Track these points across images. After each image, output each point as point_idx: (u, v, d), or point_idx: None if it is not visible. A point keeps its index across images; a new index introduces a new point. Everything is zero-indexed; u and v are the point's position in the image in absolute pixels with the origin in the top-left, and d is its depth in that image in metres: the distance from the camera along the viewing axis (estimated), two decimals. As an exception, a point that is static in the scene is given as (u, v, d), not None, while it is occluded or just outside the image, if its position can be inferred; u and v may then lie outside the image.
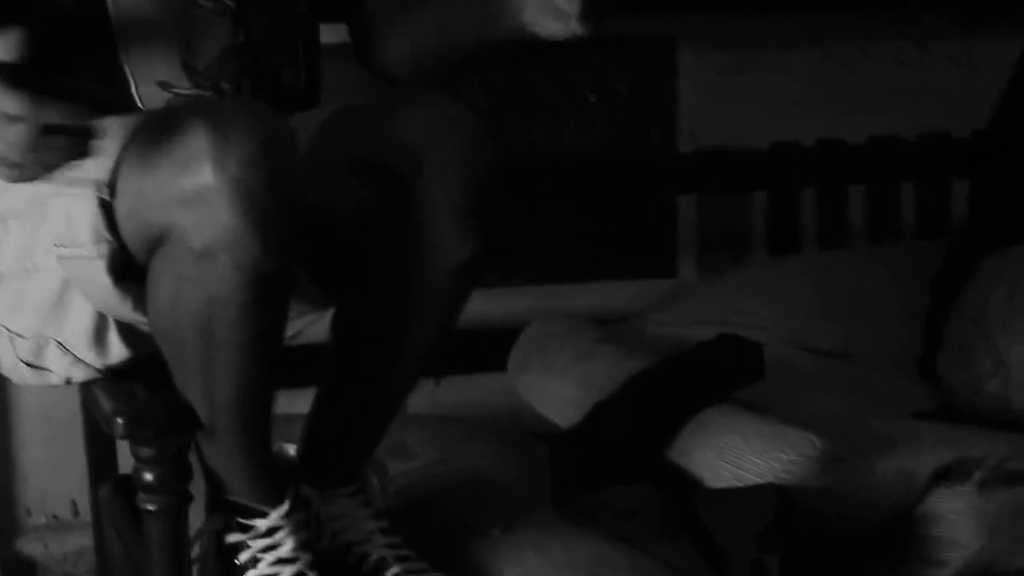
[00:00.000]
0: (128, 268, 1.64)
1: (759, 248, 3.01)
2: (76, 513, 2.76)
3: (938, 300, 2.55)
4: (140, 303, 1.65)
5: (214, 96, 1.80)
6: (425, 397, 2.73)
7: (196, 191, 1.53)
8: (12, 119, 1.45)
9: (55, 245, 1.66)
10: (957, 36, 3.04)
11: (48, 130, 1.46)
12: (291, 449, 1.93)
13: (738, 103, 2.98)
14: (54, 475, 2.72)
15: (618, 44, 2.89)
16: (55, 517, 2.77)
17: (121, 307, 1.67)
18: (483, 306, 1.82)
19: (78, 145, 1.48)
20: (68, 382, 1.79)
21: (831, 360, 2.59)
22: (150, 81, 1.78)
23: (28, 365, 1.76)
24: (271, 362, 1.67)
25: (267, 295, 1.59)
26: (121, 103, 1.75)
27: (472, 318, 1.91)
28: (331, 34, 2.04)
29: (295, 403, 1.97)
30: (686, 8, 2.93)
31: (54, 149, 1.47)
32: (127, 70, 1.77)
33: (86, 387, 1.80)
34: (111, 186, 1.60)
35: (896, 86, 3.05)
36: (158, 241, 1.59)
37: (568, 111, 2.92)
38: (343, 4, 2.00)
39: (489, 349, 2.64)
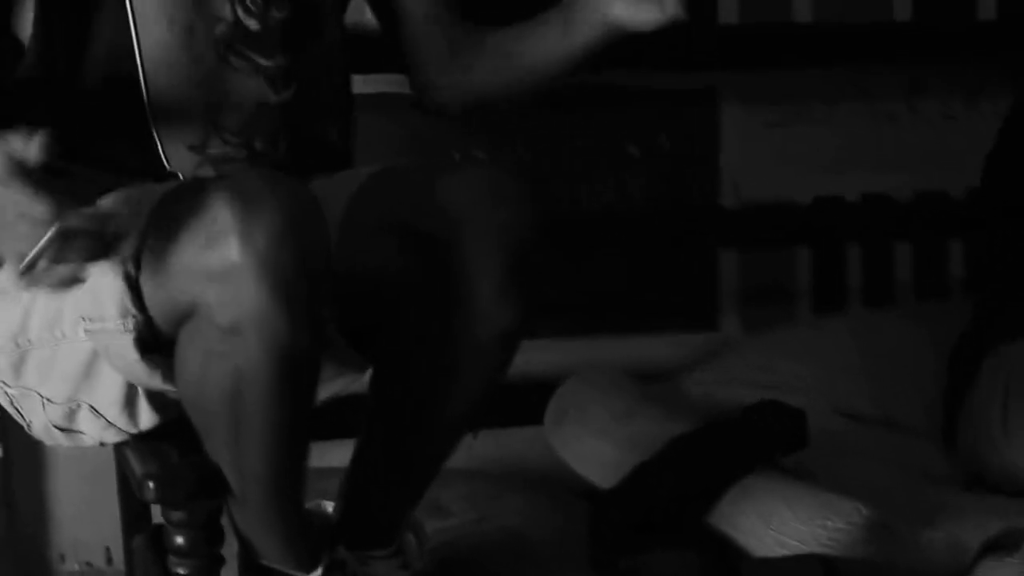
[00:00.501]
0: (155, 341, 1.62)
1: (802, 303, 2.97)
2: (110, 561, 2.73)
3: (956, 376, 2.52)
4: (169, 375, 1.63)
5: (245, 160, 1.77)
6: (462, 450, 2.69)
7: (222, 267, 1.50)
8: (37, 223, 1.42)
9: (82, 318, 1.64)
10: (1006, 92, 2.99)
11: (70, 234, 1.43)
12: (329, 506, 1.90)
13: (782, 157, 2.95)
14: (88, 521, 2.69)
15: (660, 97, 2.87)
16: (89, 564, 2.74)
17: (149, 379, 1.65)
18: (522, 357, 1.79)
19: (99, 248, 1.46)
20: (101, 444, 1.76)
21: (873, 426, 2.55)
22: (180, 143, 1.76)
23: (60, 429, 1.74)
24: (302, 434, 1.66)
25: (295, 371, 1.57)
26: (149, 167, 1.74)
27: (511, 370, 1.87)
28: (362, 85, 2.03)
29: (330, 455, 1.95)
30: (730, 62, 2.90)
31: (76, 251, 1.44)
32: (155, 132, 1.75)
33: (118, 447, 1.78)
34: (136, 260, 1.58)
35: (943, 141, 3.01)
36: (185, 316, 1.56)
37: (610, 164, 2.89)
38: (400, 49, 1.96)
39: (527, 402, 2.61)
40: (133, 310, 1.59)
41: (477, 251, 1.70)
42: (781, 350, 2.70)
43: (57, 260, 1.43)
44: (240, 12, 1.77)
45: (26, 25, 1.72)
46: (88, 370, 1.68)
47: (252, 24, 1.78)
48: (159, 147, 1.75)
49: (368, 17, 2.01)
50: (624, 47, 1.81)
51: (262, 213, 1.50)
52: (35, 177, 1.42)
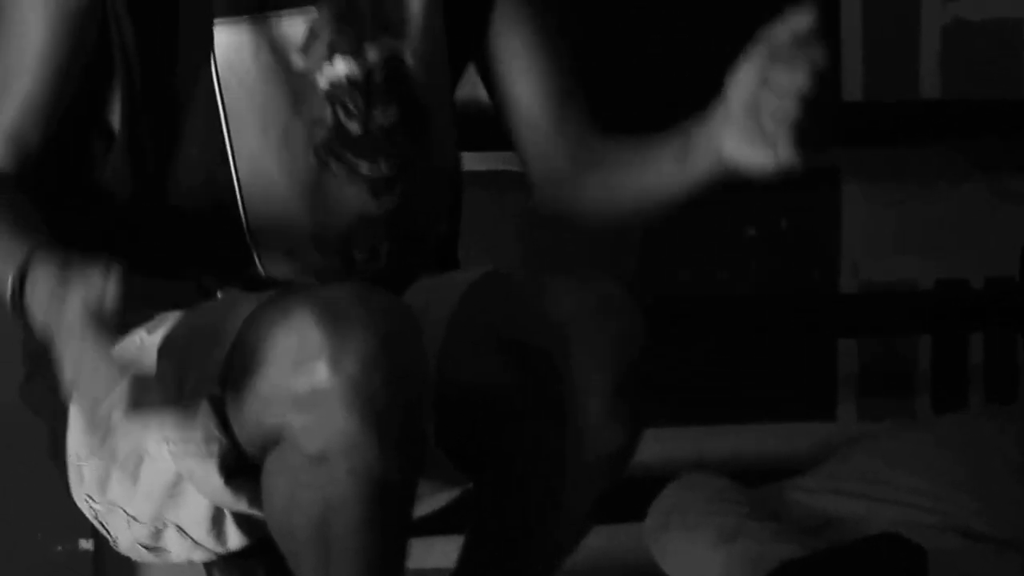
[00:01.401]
0: (241, 464, 1.56)
1: (922, 394, 2.89)
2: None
3: None
4: (255, 499, 1.57)
5: (343, 272, 1.71)
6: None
7: (310, 392, 1.44)
8: (112, 374, 1.39)
9: (164, 439, 1.59)
10: None
11: (147, 384, 1.39)
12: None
13: (903, 238, 2.88)
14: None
15: (781, 176, 2.77)
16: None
17: (235, 503, 1.60)
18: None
19: (176, 396, 1.41)
20: (189, 563, 1.71)
21: (993, 547, 2.44)
22: (276, 252, 1.70)
23: (146, 547, 1.70)
24: (395, 560, 1.58)
25: (387, 500, 1.50)
26: (242, 276, 1.69)
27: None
28: (473, 162, 1.99)
29: (428, 556, 1.91)
30: (851, 140, 2.79)
31: (152, 401, 1.40)
32: (250, 239, 1.69)
33: (207, 565, 1.74)
34: (222, 380, 1.52)
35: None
36: (271, 441, 1.50)
37: (727, 246, 2.83)
38: (510, 139, 1.88)
39: (631, 497, 2.52)
40: (217, 434, 1.54)
41: (586, 368, 1.63)
42: (893, 458, 2.60)
43: (133, 409, 1.38)
44: (341, 115, 1.70)
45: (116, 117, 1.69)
46: (173, 490, 1.63)
47: (354, 128, 1.71)
48: (254, 255, 1.69)
49: (481, 92, 1.91)
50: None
51: (353, 334, 1.44)
52: (112, 324, 1.38)
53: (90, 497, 1.70)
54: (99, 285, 1.37)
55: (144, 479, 1.64)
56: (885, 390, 2.89)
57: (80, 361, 1.38)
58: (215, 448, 1.54)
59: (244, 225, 1.68)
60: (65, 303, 1.39)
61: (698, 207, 2.64)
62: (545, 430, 1.66)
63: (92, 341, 1.37)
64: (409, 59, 1.73)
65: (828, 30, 2.60)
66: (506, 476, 1.71)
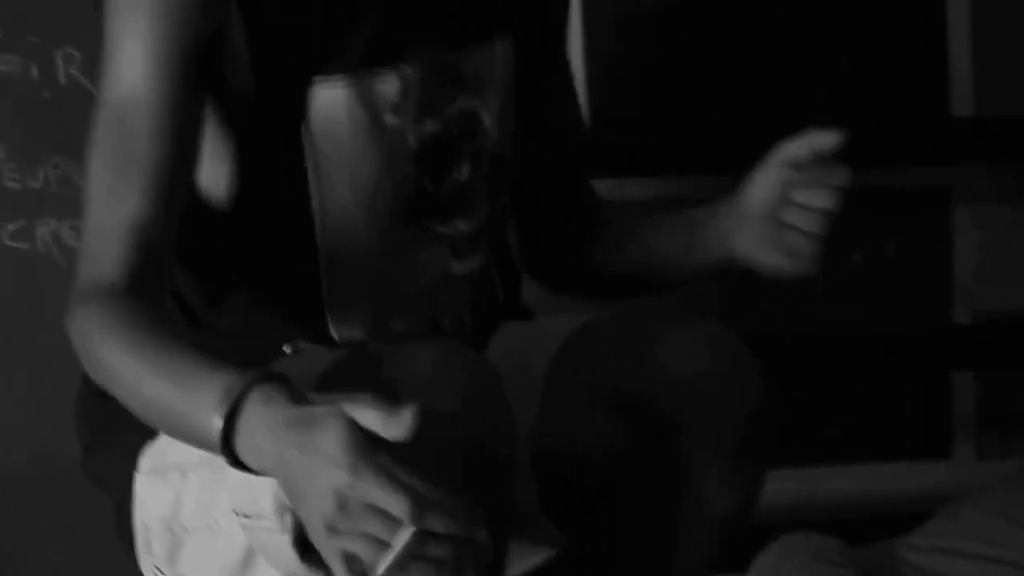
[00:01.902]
0: None
1: (1047, 430, 2.78)
2: None
3: None
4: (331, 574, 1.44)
5: (420, 337, 1.64)
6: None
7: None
8: (393, 522, 1.25)
9: (235, 512, 1.47)
10: None
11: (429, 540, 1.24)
12: None
13: (1020, 264, 2.76)
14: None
15: (887, 198, 2.68)
16: None
17: None
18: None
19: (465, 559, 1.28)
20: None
21: None
22: (354, 313, 1.63)
23: None
24: None
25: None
26: (317, 337, 1.61)
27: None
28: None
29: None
30: (962, 158, 2.69)
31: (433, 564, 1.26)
32: (329, 300, 1.62)
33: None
34: None
35: None
36: None
37: (831, 274, 2.65)
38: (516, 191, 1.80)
39: (734, 544, 2.42)
40: (291, 507, 1.41)
41: (701, 428, 1.57)
42: (1013, 514, 2.44)
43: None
44: (425, 174, 1.64)
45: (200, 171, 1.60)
46: (245, 564, 1.52)
47: (435, 187, 1.65)
48: (331, 317, 1.63)
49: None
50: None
51: (435, 397, 1.35)
52: (388, 459, 1.25)
53: (159, 570, 1.61)
54: (381, 409, 1.26)
55: (215, 552, 1.54)
56: (1005, 427, 2.78)
57: (346, 497, 1.24)
58: (288, 522, 1.42)
59: (323, 284, 1.62)
60: (318, 431, 1.25)
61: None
62: (656, 491, 1.60)
63: (368, 477, 1.24)
64: (486, 117, 1.68)
65: (934, 39, 2.55)
66: (612, 538, 1.65)
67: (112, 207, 1.50)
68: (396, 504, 1.22)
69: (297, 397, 1.30)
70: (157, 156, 1.50)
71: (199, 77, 1.52)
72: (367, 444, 1.23)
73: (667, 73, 2.59)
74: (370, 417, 1.25)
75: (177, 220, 1.53)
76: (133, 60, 1.50)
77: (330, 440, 1.24)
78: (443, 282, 1.66)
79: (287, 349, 1.59)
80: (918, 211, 2.72)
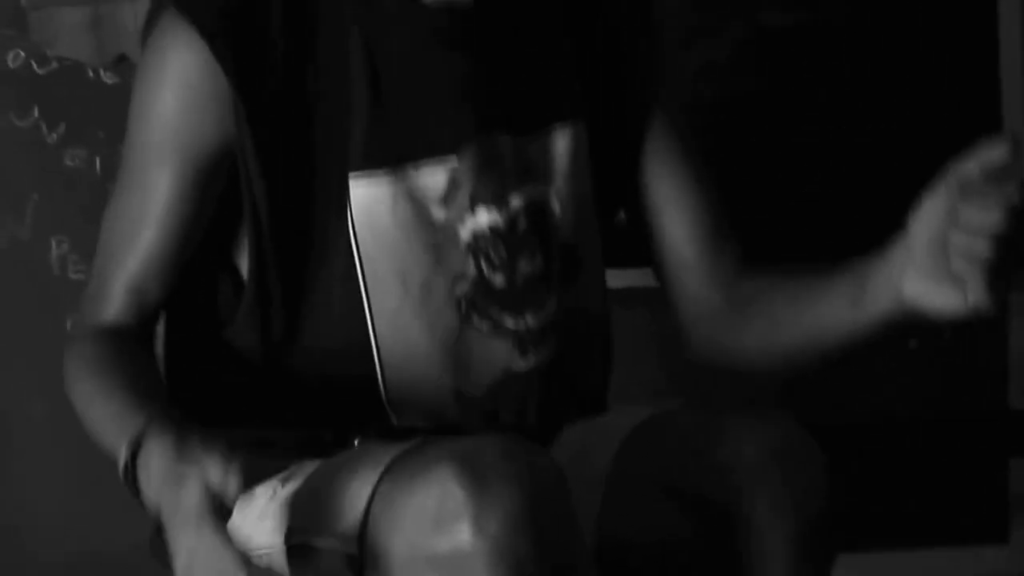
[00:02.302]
0: None
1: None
2: None
3: None
4: None
5: (483, 432, 1.57)
6: None
7: (451, 554, 1.33)
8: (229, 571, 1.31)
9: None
10: None
11: None
12: None
13: None
14: None
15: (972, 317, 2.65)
16: None
17: None
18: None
19: None
20: None
21: None
22: (415, 414, 1.59)
23: None
24: None
25: None
26: (377, 433, 1.58)
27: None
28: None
29: None
30: None
31: None
32: (387, 400, 1.58)
33: None
34: (359, 539, 1.40)
35: None
36: None
37: (887, 360, 2.67)
38: (657, 273, 1.75)
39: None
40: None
41: (768, 523, 1.50)
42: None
43: None
44: (484, 267, 1.59)
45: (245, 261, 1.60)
46: None
47: (498, 280, 1.60)
48: (391, 417, 1.59)
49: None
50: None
51: (498, 491, 1.33)
52: (230, 513, 1.31)
53: None
54: (218, 474, 1.30)
55: None
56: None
57: (195, 551, 1.31)
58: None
59: (381, 384, 1.58)
60: (181, 488, 1.32)
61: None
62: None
63: (209, 531, 1.30)
64: (555, 205, 1.63)
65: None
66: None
67: (113, 266, 1.58)
68: (232, 567, 1.29)
69: (179, 444, 1.35)
70: (158, 240, 1.56)
71: (211, 178, 1.55)
72: (211, 502, 1.29)
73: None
74: (212, 472, 1.30)
75: (172, 285, 1.58)
76: (143, 151, 1.56)
77: (187, 498, 1.31)
78: (505, 378, 1.61)
79: (356, 443, 1.58)
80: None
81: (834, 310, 1.57)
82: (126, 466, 1.39)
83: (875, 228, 1.51)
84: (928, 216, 1.42)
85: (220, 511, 1.30)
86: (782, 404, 2.69)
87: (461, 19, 1.57)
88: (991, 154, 1.37)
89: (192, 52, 1.51)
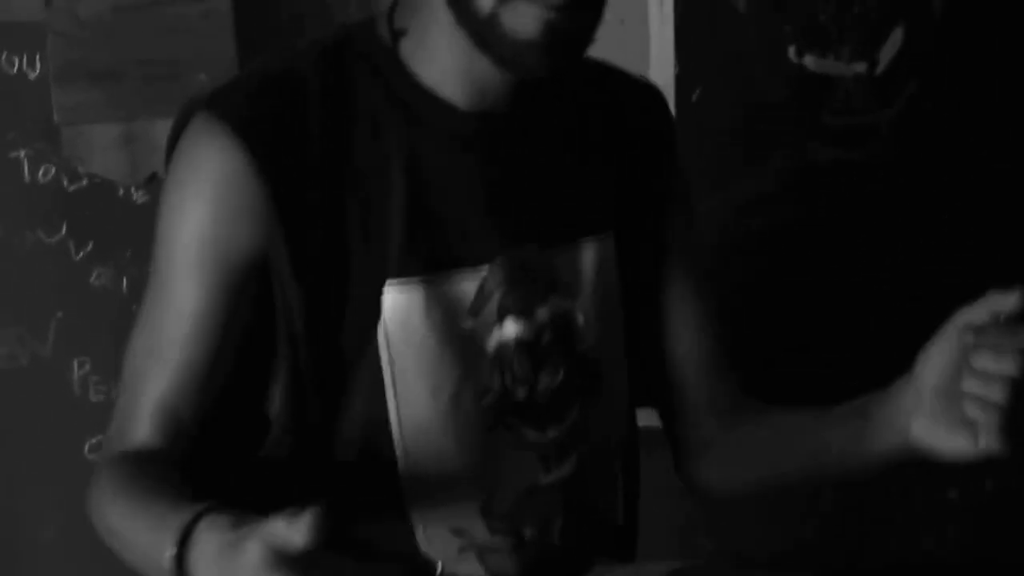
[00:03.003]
0: None
1: None
2: None
3: None
4: None
5: (511, 550, 1.57)
6: None
7: None
8: None
9: None
10: None
11: None
12: None
13: None
14: None
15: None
16: None
17: None
18: None
19: None
20: None
21: None
22: (439, 525, 1.55)
23: None
24: None
25: None
26: (401, 550, 1.54)
27: None
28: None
29: None
30: None
31: None
32: (411, 512, 1.54)
33: None
34: None
35: None
36: None
37: (926, 510, 2.64)
38: (660, 398, 1.74)
39: None
40: None
41: None
42: None
43: None
44: (508, 379, 1.56)
45: (275, 399, 1.54)
46: None
47: (521, 393, 1.57)
48: (415, 529, 1.55)
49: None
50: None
51: None
52: (307, 566, 1.18)
53: None
54: (283, 527, 1.19)
55: None
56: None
57: None
58: None
59: (405, 495, 1.54)
60: (240, 553, 1.20)
61: (895, 467, 2.50)
62: None
63: None
64: (580, 318, 1.60)
65: None
66: None
67: (143, 387, 1.49)
68: None
69: (237, 522, 1.25)
70: (190, 357, 1.48)
71: (245, 287, 1.49)
72: (279, 560, 1.17)
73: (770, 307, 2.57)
74: (279, 530, 1.19)
75: (209, 405, 1.50)
76: (174, 263, 1.49)
77: (248, 561, 1.18)
78: (530, 494, 1.58)
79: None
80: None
81: (835, 445, 1.59)
82: (175, 558, 1.28)
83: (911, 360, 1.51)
84: (937, 361, 1.44)
85: (293, 563, 1.18)
86: (815, 552, 2.64)
87: (496, 126, 1.54)
88: (1003, 302, 1.40)
89: (227, 157, 1.46)
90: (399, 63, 1.53)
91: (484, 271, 1.54)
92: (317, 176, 1.49)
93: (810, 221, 2.56)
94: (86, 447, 2.42)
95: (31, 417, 2.46)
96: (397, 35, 1.54)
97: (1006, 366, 1.39)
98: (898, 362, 1.60)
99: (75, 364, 2.44)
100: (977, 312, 1.42)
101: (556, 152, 1.60)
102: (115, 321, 2.36)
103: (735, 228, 2.53)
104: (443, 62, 1.51)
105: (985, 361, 1.40)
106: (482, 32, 1.45)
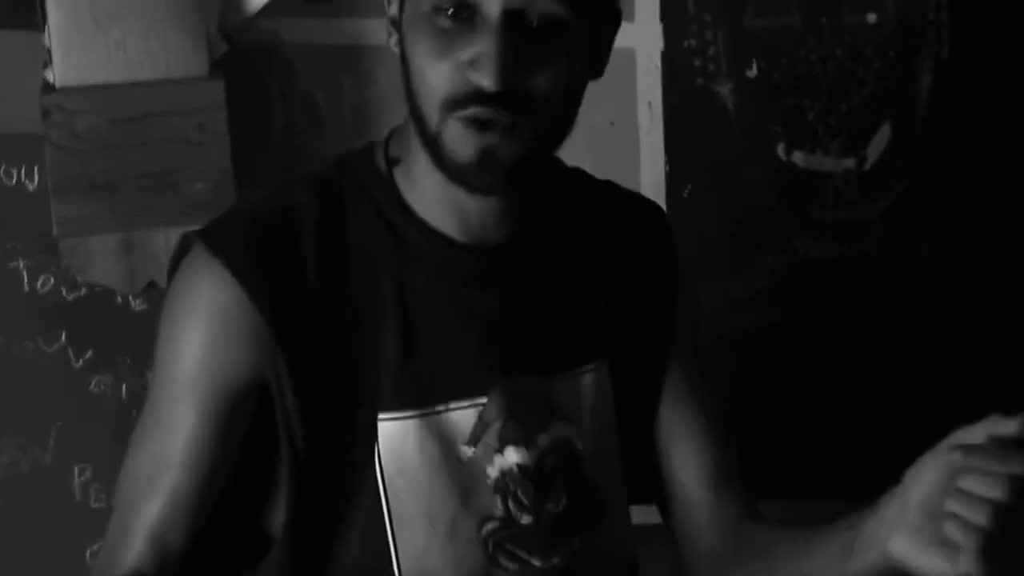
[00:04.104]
0: None
1: None
2: None
3: None
4: None
5: None
6: None
7: None
8: None
9: None
10: None
11: None
12: None
13: None
14: None
15: None
16: None
17: None
18: None
19: None
20: None
21: None
22: None
23: None
24: None
25: None
26: None
27: None
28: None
29: None
30: None
31: None
32: None
33: None
34: None
35: None
36: None
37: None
38: (663, 510, 1.74)
39: None
40: None
41: None
42: None
43: None
44: (512, 506, 1.56)
45: (274, 519, 1.55)
46: None
47: (525, 519, 1.57)
48: None
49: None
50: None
51: None
52: None
53: None
54: None
55: None
56: None
57: None
58: None
59: None
60: None
61: None
62: None
63: None
64: (580, 444, 1.61)
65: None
66: None
67: (135, 509, 1.50)
68: None
69: None
70: (183, 483, 1.49)
71: (240, 415, 1.50)
72: None
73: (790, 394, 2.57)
74: None
75: (202, 528, 1.51)
76: (171, 388, 1.50)
77: None
78: None
79: None
80: None
81: (826, 560, 1.56)
82: None
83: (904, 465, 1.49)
84: (926, 477, 1.42)
85: None
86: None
87: (492, 258, 1.55)
88: (1001, 426, 1.39)
89: (223, 289, 1.48)
90: (394, 193, 1.55)
91: (481, 402, 1.55)
92: (312, 308, 1.50)
93: (803, 318, 2.57)
94: (87, 553, 2.42)
95: (32, 524, 2.46)
96: (392, 164, 1.56)
97: (992, 490, 1.37)
98: (893, 461, 1.61)
99: (76, 471, 2.45)
100: (974, 434, 1.41)
101: (555, 281, 1.61)
102: (115, 428, 2.38)
103: (728, 326, 2.54)
104: (430, 191, 1.52)
105: (972, 483, 1.38)
106: (433, 151, 1.47)
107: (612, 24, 1.54)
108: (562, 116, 1.49)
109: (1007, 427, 1.39)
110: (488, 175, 1.46)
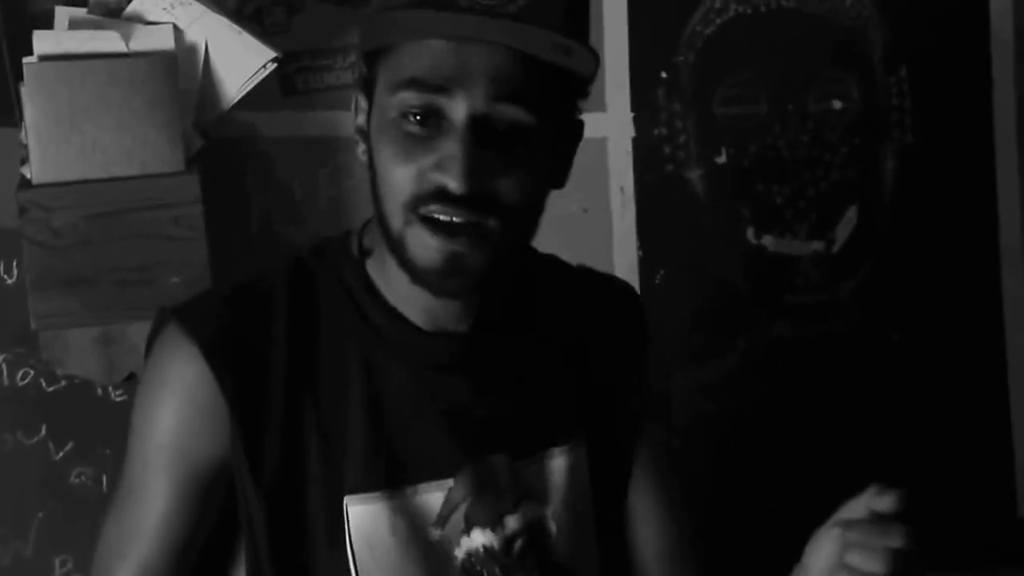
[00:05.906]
0: None
1: None
2: None
3: None
4: None
5: None
6: None
7: None
8: None
9: None
10: None
11: None
12: None
13: None
14: None
15: None
16: None
17: None
18: None
19: None
20: None
21: None
22: None
23: None
24: None
25: None
26: None
27: None
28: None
29: None
30: None
31: None
32: None
33: None
34: None
35: None
36: None
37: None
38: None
39: None
40: None
41: None
42: None
43: None
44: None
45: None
46: None
47: None
48: None
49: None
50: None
51: None
52: None
53: None
54: None
55: None
56: None
57: None
58: None
59: None
60: None
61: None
62: None
63: None
64: (551, 526, 1.62)
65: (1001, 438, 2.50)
66: None
67: None
68: None
69: None
70: (154, 554, 1.53)
71: (210, 490, 1.53)
72: None
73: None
74: None
75: None
76: (143, 461, 1.54)
77: None
78: None
79: None
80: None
81: None
82: None
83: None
84: (823, 551, 1.51)
85: None
86: None
87: (458, 345, 1.57)
88: (880, 502, 1.47)
89: (192, 367, 1.51)
90: (366, 281, 1.57)
91: (449, 483, 1.56)
92: (278, 391, 1.53)
93: (777, 398, 2.59)
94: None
95: (15, 616, 2.46)
96: (365, 254, 1.58)
97: (874, 564, 1.46)
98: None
99: (56, 563, 2.45)
100: (856, 508, 1.49)
101: (523, 365, 1.63)
102: (96, 519, 2.34)
103: (702, 408, 2.56)
104: (397, 282, 1.54)
105: (856, 558, 1.46)
106: (397, 254, 1.50)
107: (574, 136, 1.57)
108: (526, 222, 1.52)
109: (884, 502, 1.47)
110: (454, 280, 1.48)
